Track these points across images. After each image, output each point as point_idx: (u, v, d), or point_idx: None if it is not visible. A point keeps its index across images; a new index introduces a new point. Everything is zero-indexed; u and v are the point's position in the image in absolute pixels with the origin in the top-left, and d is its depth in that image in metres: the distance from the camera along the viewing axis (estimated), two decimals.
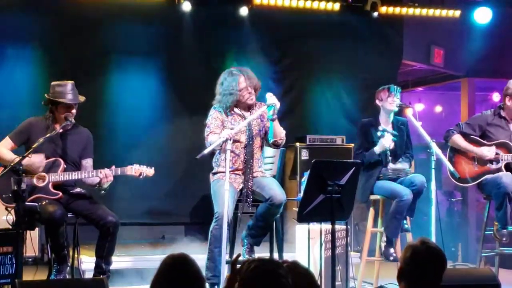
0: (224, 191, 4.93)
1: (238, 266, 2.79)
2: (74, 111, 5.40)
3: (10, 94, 7.61)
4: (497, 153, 6.08)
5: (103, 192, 5.38)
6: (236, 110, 5.52)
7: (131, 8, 8.07)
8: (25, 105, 7.09)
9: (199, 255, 5.00)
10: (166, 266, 2.82)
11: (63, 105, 5.37)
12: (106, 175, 5.23)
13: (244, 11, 8.47)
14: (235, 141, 5.28)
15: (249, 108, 5.56)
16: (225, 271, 4.95)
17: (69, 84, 5.42)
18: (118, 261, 6.12)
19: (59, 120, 5.40)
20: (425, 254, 3.19)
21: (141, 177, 5.33)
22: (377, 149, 5.89)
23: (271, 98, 5.31)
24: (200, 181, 5.75)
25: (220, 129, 5.37)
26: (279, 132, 5.46)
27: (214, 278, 5.10)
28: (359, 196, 5.84)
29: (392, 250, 5.84)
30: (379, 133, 5.86)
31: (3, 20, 7.59)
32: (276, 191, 5.28)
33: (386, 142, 5.85)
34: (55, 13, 7.84)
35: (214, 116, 5.47)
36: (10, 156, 5.22)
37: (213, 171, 5.53)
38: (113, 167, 5.27)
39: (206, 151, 5.09)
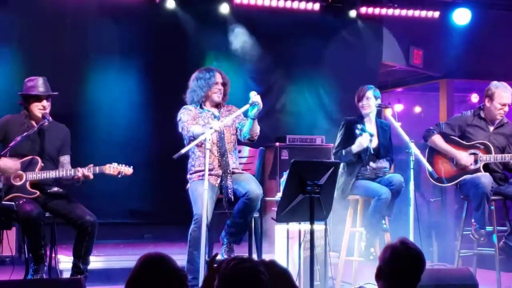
0: (203, 192, 4.91)
1: (215, 265, 2.77)
2: (45, 103, 5.36)
3: None
4: (475, 154, 6.11)
5: (77, 184, 5.35)
6: (206, 108, 5.60)
7: (111, 6, 8.03)
8: (3, 105, 7.01)
9: (179, 256, 4.99)
10: (140, 265, 2.79)
11: (35, 98, 5.34)
12: (85, 176, 5.20)
13: (225, 8, 8.47)
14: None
15: (216, 106, 5.65)
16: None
17: (40, 78, 5.41)
18: (96, 261, 6.09)
19: (34, 117, 5.36)
20: (404, 255, 3.19)
21: (119, 176, 5.31)
22: (354, 148, 5.91)
23: (255, 97, 5.29)
24: (179, 181, 5.73)
25: (195, 122, 5.43)
26: (256, 132, 5.49)
27: (193, 281, 5.07)
28: (339, 194, 5.85)
29: (372, 250, 5.87)
30: (358, 131, 5.89)
31: None
32: (252, 186, 5.30)
33: (363, 141, 5.88)
34: (34, 12, 7.78)
35: (185, 112, 5.54)
36: None
37: (190, 172, 5.54)
38: (91, 165, 5.24)
39: (183, 151, 5.10)
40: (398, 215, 6.15)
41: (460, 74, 10.47)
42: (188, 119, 5.49)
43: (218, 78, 5.63)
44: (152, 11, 8.33)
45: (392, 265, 3.19)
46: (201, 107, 5.61)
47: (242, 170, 5.69)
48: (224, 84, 5.66)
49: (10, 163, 5.18)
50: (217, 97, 5.61)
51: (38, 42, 7.79)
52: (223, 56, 8.61)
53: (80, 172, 5.18)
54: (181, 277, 2.79)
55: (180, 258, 5.07)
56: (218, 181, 5.43)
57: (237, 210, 5.35)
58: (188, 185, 5.53)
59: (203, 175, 5.07)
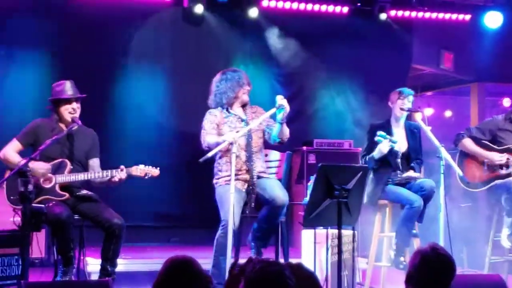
0: (230, 196, 4.92)
1: (236, 270, 2.74)
2: (75, 105, 5.40)
3: (19, 98, 7.63)
4: (507, 158, 6.02)
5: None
6: (233, 111, 5.57)
7: (140, 11, 8.08)
8: (34, 109, 7.06)
9: (204, 260, 4.99)
10: (166, 268, 2.78)
11: (64, 101, 5.38)
12: (121, 179, 5.24)
13: (254, 12, 8.46)
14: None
15: (243, 107, 5.64)
16: None
17: (67, 82, 5.46)
18: (124, 264, 6.11)
19: (64, 121, 5.42)
20: (435, 261, 3.14)
21: (146, 177, 5.33)
22: (375, 154, 5.79)
23: (281, 100, 5.28)
24: (207, 184, 5.73)
25: (216, 131, 5.41)
26: (286, 134, 5.49)
27: (218, 286, 5.07)
28: (368, 200, 5.79)
29: (402, 258, 5.75)
30: (376, 138, 5.72)
31: (12, 24, 7.62)
32: (278, 193, 5.27)
33: (383, 148, 5.74)
34: (63, 17, 7.85)
35: (209, 119, 5.55)
36: (17, 159, 5.27)
37: (216, 177, 5.53)
38: (123, 167, 5.27)
39: (209, 154, 5.14)
40: (428, 220, 6.07)
41: (491, 77, 10.34)
42: (209, 127, 5.49)
43: (246, 78, 5.65)
44: (181, 15, 8.36)
45: (422, 271, 3.14)
46: (227, 110, 5.58)
47: (270, 174, 5.66)
48: (249, 84, 5.68)
49: (41, 165, 5.23)
50: (246, 97, 5.62)
51: (68, 48, 7.84)
52: (250, 60, 8.61)
53: (117, 177, 5.23)
54: (206, 281, 2.78)
55: (205, 262, 5.07)
56: (246, 186, 5.42)
57: (262, 216, 5.34)
58: (215, 183, 5.53)
59: (230, 180, 5.06)
